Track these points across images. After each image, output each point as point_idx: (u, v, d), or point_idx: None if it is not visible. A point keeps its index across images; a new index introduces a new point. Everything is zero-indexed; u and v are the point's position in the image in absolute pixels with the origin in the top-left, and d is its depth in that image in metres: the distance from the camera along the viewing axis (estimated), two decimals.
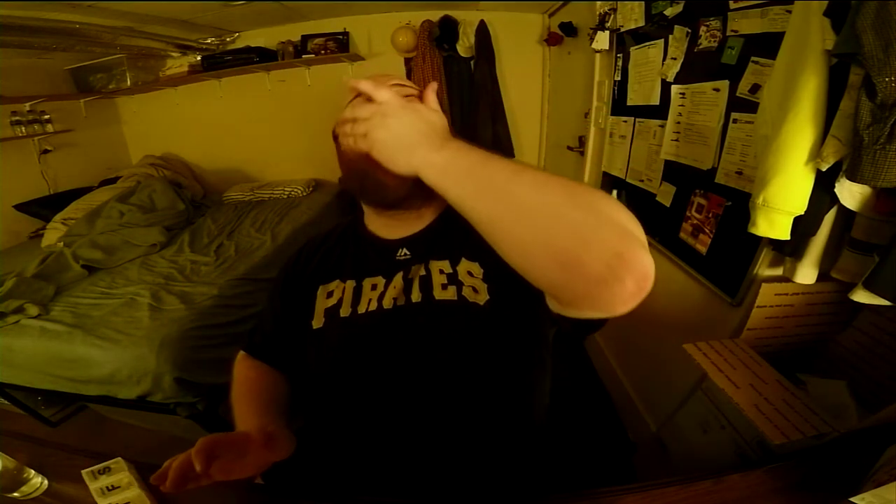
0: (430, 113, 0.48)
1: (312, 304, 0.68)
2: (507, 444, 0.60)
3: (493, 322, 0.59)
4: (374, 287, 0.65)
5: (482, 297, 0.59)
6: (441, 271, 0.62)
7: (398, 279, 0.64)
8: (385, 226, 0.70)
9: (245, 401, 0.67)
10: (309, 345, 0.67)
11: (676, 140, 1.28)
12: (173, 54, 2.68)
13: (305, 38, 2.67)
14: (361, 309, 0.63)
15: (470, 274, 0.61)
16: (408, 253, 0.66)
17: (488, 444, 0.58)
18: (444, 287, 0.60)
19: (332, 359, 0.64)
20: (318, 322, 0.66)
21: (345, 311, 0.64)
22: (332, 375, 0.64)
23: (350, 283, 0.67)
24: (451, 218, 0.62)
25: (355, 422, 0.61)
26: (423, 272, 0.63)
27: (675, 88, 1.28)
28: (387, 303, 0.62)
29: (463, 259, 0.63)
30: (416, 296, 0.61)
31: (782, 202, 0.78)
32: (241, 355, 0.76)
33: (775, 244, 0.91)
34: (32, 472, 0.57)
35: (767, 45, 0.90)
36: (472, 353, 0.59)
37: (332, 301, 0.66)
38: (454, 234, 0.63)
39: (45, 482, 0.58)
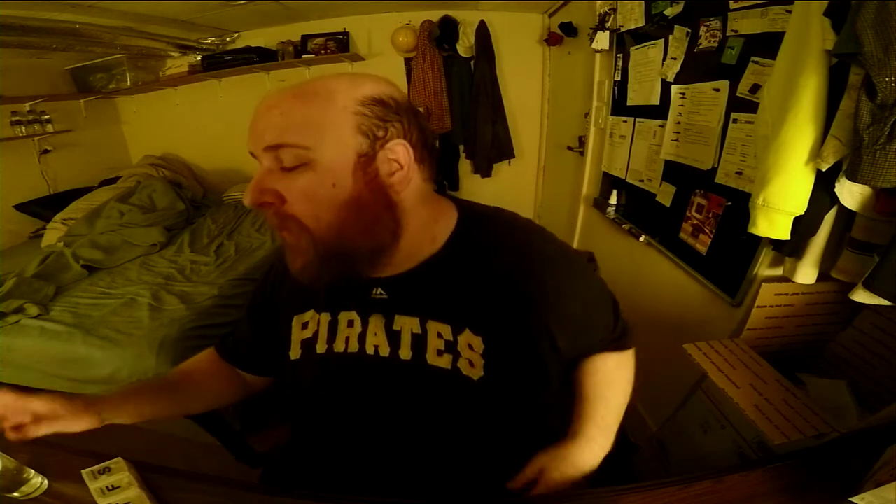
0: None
1: (288, 333, 0.65)
2: (494, 488, 0.60)
3: (484, 399, 0.57)
4: (350, 324, 0.60)
5: (476, 373, 0.56)
6: (439, 335, 0.57)
7: (377, 322, 0.59)
8: None
9: (153, 381, 0.73)
10: (286, 373, 0.65)
11: (676, 140, 1.28)
12: (173, 54, 2.68)
13: (305, 38, 2.67)
14: (338, 347, 0.60)
15: (470, 347, 0.56)
16: (383, 293, 0.59)
17: (474, 491, 0.59)
18: (439, 353, 0.56)
19: (308, 394, 0.64)
20: (294, 353, 0.64)
21: (321, 347, 0.61)
22: (309, 410, 0.65)
23: (325, 317, 0.62)
24: (446, 269, 0.57)
25: (331, 454, 0.63)
26: (417, 330, 0.57)
27: (675, 88, 1.28)
28: (369, 349, 0.58)
29: (467, 329, 0.56)
30: (405, 353, 0.57)
31: (782, 202, 0.78)
32: (209, 350, 0.77)
33: (775, 244, 0.90)
34: (32, 472, 0.57)
35: (767, 45, 0.90)
36: (456, 425, 0.58)
37: (308, 333, 0.63)
38: (453, 292, 0.57)
39: (45, 482, 0.59)
